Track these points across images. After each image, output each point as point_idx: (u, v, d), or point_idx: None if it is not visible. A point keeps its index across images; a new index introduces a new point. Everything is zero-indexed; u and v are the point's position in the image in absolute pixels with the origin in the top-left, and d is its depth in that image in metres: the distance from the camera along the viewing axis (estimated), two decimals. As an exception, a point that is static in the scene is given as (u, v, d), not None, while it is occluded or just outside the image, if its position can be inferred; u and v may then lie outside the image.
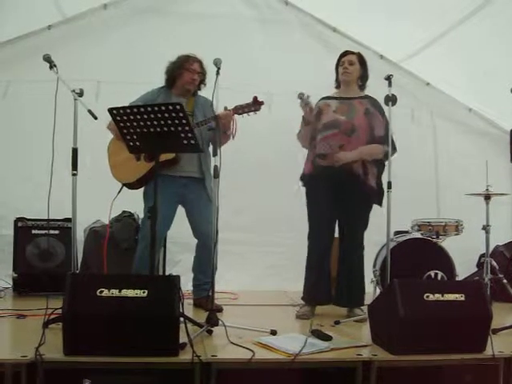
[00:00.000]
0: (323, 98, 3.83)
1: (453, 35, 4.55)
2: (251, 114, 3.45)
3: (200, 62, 3.77)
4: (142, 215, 3.91)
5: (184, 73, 3.74)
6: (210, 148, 3.70)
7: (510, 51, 4.34)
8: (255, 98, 3.43)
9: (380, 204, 3.73)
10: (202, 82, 3.82)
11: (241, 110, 3.43)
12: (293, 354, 2.58)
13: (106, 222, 4.33)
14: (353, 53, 3.78)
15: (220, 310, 3.64)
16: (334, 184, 3.58)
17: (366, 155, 3.64)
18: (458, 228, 4.54)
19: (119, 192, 3.65)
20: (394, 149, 3.68)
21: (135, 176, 3.69)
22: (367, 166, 3.66)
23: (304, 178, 3.80)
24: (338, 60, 3.79)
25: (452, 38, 4.57)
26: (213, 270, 3.14)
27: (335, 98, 3.78)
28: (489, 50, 4.43)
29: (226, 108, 3.38)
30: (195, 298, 3.90)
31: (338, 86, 3.85)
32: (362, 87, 3.82)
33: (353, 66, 3.71)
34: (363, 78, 3.79)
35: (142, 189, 3.78)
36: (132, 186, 3.75)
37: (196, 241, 3.87)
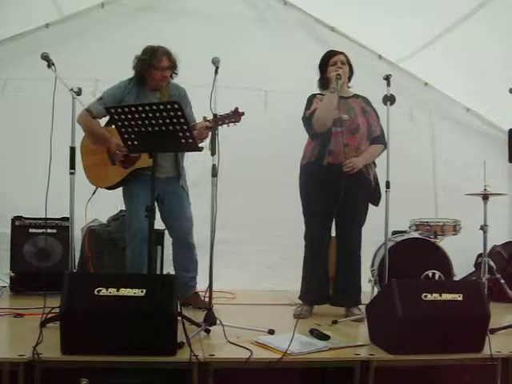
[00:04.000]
0: (315, 94, 3.78)
1: (451, 35, 4.55)
2: (231, 124, 3.34)
3: (168, 54, 3.62)
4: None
5: (153, 72, 3.60)
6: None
7: (508, 51, 4.34)
8: (236, 109, 3.33)
9: (376, 204, 3.74)
10: (173, 71, 3.70)
11: (220, 120, 3.30)
12: (289, 353, 2.58)
13: (104, 221, 4.34)
14: (340, 52, 3.74)
15: (209, 308, 3.64)
16: (333, 182, 3.53)
17: (369, 160, 3.71)
18: (455, 228, 4.55)
19: (93, 194, 3.64)
20: (385, 145, 3.72)
21: (110, 182, 3.66)
22: (367, 164, 3.70)
23: (306, 166, 3.73)
24: (327, 60, 3.72)
25: (451, 38, 4.57)
26: (211, 269, 3.12)
27: None
28: (487, 50, 4.44)
29: (204, 118, 3.28)
30: (183, 298, 3.78)
31: (325, 87, 3.75)
32: (350, 86, 3.82)
33: (345, 66, 3.68)
34: (351, 77, 3.79)
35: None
36: (107, 188, 3.74)
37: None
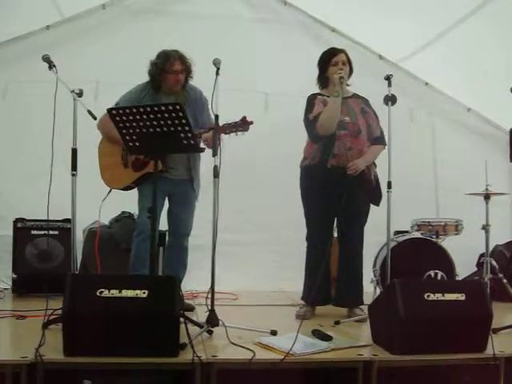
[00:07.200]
0: (315, 95, 3.76)
1: (452, 35, 4.55)
2: (239, 133, 3.33)
3: (181, 58, 3.62)
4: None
5: (167, 76, 3.61)
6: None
7: (509, 51, 4.34)
8: (244, 118, 3.31)
9: (377, 204, 3.73)
10: (188, 75, 3.71)
11: (228, 129, 3.30)
12: (292, 353, 2.58)
13: (105, 223, 4.34)
14: (341, 51, 3.72)
15: (191, 309, 3.73)
16: (336, 183, 3.54)
17: (370, 160, 3.71)
18: (457, 228, 4.54)
19: (108, 195, 3.63)
20: (385, 144, 3.72)
21: (122, 184, 3.70)
22: (368, 164, 3.70)
23: (307, 168, 3.72)
24: (328, 59, 3.69)
25: (451, 38, 4.57)
26: (213, 270, 3.12)
27: (328, 97, 3.66)
28: (488, 50, 4.43)
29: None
30: None
31: (325, 86, 3.76)
32: (349, 84, 3.79)
33: (346, 66, 3.66)
34: (350, 74, 3.75)
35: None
36: (121, 189, 3.76)
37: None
